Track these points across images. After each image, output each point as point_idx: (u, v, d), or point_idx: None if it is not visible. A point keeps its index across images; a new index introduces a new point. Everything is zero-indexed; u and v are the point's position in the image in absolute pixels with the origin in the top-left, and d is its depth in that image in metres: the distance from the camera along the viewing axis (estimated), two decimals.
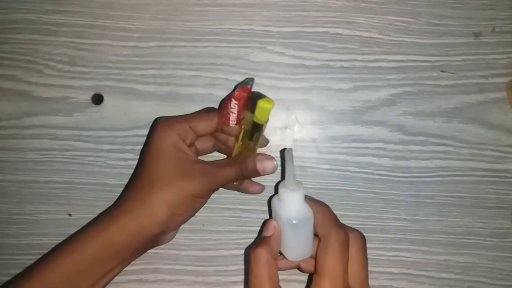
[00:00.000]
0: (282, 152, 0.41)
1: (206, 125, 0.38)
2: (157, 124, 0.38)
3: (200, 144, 0.40)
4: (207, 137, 0.40)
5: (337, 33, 0.44)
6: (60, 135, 0.43)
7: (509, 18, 0.44)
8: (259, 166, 0.36)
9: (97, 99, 0.44)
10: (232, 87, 0.43)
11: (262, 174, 0.36)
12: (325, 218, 0.35)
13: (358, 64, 0.44)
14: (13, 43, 0.43)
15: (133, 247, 0.36)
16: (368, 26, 0.44)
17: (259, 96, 0.36)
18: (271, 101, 0.35)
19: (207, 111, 0.40)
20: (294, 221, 0.34)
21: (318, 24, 0.44)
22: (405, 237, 0.44)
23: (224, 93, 0.43)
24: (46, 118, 0.43)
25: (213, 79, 0.44)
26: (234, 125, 0.38)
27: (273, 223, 0.35)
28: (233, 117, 0.37)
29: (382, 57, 0.44)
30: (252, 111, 0.36)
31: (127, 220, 0.35)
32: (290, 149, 0.35)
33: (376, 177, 0.44)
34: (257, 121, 0.36)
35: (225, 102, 0.38)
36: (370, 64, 0.44)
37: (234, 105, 0.36)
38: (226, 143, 0.39)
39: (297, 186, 0.34)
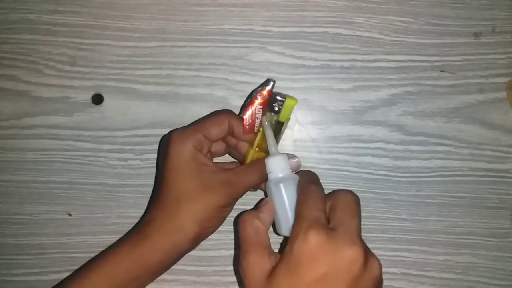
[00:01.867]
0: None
1: (218, 130, 0.37)
2: (172, 138, 0.37)
3: (213, 147, 0.39)
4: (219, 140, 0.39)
5: (337, 33, 0.44)
6: (60, 135, 0.43)
7: (509, 18, 0.44)
8: None
9: (97, 99, 0.44)
10: (232, 87, 0.43)
11: None
12: (305, 179, 0.35)
13: (358, 64, 0.44)
14: (13, 43, 0.43)
15: (165, 263, 0.36)
16: (368, 26, 0.44)
17: (274, 94, 0.37)
18: (294, 97, 0.37)
19: (216, 114, 0.38)
20: (280, 183, 0.34)
21: (318, 24, 0.44)
22: (405, 237, 0.44)
23: (224, 93, 0.43)
24: (46, 118, 0.43)
25: (213, 79, 0.44)
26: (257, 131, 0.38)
27: (266, 198, 0.36)
28: (257, 123, 0.37)
29: (382, 57, 0.44)
30: (272, 111, 0.37)
31: (159, 239, 0.35)
32: (265, 117, 0.36)
33: (376, 177, 0.44)
34: (281, 120, 0.37)
35: (247, 108, 0.37)
36: (370, 64, 0.44)
37: (259, 110, 0.36)
38: (236, 147, 0.39)
39: (278, 152, 0.36)
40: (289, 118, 0.38)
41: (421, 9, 0.44)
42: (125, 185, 0.44)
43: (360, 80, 0.44)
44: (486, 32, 0.44)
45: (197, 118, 0.41)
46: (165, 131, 0.42)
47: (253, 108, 0.36)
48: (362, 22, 0.44)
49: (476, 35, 0.44)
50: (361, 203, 0.34)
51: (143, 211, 0.43)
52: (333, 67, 0.44)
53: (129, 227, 0.40)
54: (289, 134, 0.44)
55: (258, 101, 0.36)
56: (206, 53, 0.44)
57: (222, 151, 0.40)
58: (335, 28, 0.44)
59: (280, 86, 0.44)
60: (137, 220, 0.42)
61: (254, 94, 0.36)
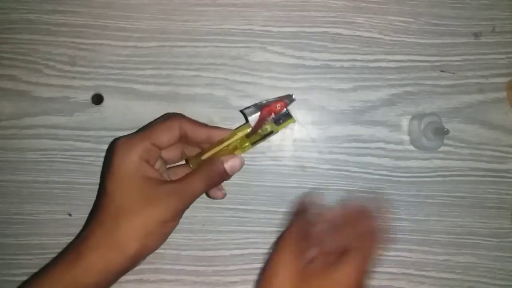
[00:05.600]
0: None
1: (169, 137, 0.35)
2: (116, 147, 0.34)
3: (166, 154, 0.37)
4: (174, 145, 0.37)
5: (337, 33, 0.44)
6: (60, 135, 0.43)
7: (509, 18, 0.44)
8: (227, 166, 0.35)
9: (97, 99, 0.44)
10: (232, 87, 0.43)
11: (231, 174, 0.35)
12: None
13: (358, 64, 0.44)
14: (13, 43, 0.43)
15: (102, 283, 0.34)
16: (368, 26, 0.44)
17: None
18: (294, 117, 0.37)
19: (169, 120, 0.36)
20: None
21: (318, 24, 0.44)
22: (405, 237, 0.44)
23: (224, 93, 0.43)
24: (46, 118, 0.43)
25: (213, 79, 0.44)
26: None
27: None
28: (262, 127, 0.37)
29: (382, 57, 0.44)
30: (274, 121, 0.37)
31: (94, 258, 0.33)
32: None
33: (376, 177, 0.44)
34: (275, 131, 0.37)
35: (266, 112, 0.36)
36: (370, 64, 0.44)
37: (270, 119, 0.36)
38: (199, 145, 0.38)
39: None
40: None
41: (421, 9, 0.44)
42: None
43: (360, 80, 0.44)
44: (486, 32, 0.44)
45: (197, 118, 0.41)
46: None
47: (268, 116, 0.36)
48: (362, 22, 0.44)
49: (476, 35, 0.44)
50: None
51: None
52: (333, 67, 0.44)
53: None
54: (289, 134, 0.44)
55: (276, 110, 0.36)
56: (206, 53, 0.44)
57: (177, 157, 0.38)
58: (335, 28, 0.44)
59: (280, 86, 0.44)
60: None
61: (273, 101, 0.36)
